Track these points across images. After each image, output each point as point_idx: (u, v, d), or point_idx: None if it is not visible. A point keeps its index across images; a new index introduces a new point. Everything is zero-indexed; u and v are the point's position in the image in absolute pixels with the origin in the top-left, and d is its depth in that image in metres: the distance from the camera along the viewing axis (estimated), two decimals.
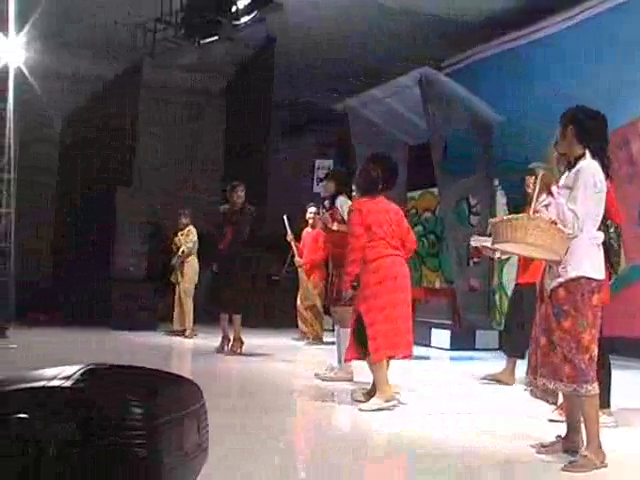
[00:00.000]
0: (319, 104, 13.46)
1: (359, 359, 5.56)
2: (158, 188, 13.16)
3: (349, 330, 5.70)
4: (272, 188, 12.89)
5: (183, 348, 9.72)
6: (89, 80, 12.97)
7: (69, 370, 2.33)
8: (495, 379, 6.74)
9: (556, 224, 3.74)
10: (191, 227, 10.62)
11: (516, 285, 6.72)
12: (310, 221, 10.08)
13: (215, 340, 9.01)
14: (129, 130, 12.89)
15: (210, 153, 14.51)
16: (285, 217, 9.82)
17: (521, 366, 6.11)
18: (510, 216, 3.88)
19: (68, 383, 2.22)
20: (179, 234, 10.66)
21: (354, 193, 6.34)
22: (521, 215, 3.87)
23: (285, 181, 14.00)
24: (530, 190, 6.53)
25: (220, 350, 8.77)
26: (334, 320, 7.17)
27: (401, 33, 11.19)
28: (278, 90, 13.17)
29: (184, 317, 10.54)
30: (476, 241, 6.05)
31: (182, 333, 10.50)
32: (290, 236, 9.98)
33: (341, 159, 13.01)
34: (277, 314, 11.84)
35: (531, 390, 4.27)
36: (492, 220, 4.08)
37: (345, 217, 6.49)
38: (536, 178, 6.37)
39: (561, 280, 3.80)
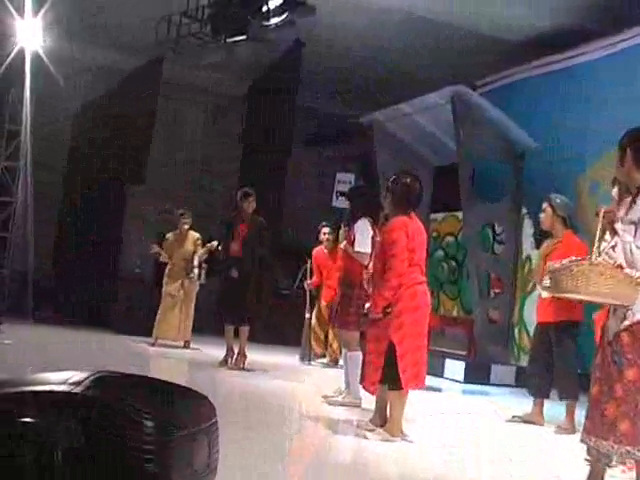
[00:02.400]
0: (344, 115, 13.46)
1: (385, 385, 5.41)
2: (171, 189, 13.21)
3: (358, 354, 5.80)
4: (289, 199, 13.00)
5: (182, 359, 9.72)
6: (107, 72, 13.04)
7: (78, 376, 2.31)
8: (524, 420, 6.64)
9: (623, 268, 3.51)
10: (192, 232, 10.52)
11: (538, 323, 6.66)
12: (324, 242, 10.03)
13: (214, 352, 8.96)
14: (145, 127, 12.90)
15: (227, 158, 14.57)
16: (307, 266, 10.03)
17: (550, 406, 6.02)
18: (570, 262, 3.61)
19: (78, 389, 2.21)
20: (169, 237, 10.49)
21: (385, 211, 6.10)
22: (582, 261, 3.55)
23: (303, 193, 14.16)
24: (543, 219, 6.57)
25: (223, 363, 8.76)
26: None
27: (437, 47, 11.23)
28: (303, 98, 13.25)
29: (184, 327, 10.40)
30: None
31: (187, 344, 10.43)
32: (308, 282, 9.98)
33: (363, 174, 12.98)
34: (286, 331, 11.81)
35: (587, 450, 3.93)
36: (551, 266, 3.81)
37: (358, 240, 6.63)
38: (554, 211, 6.48)
39: (627, 323, 3.55)
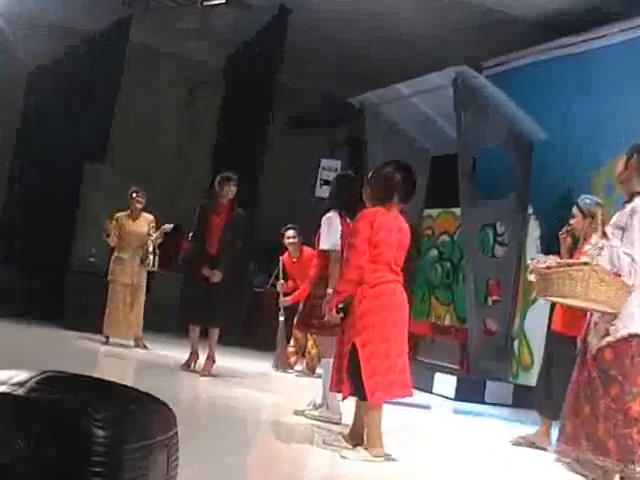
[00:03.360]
0: (332, 94, 13.52)
1: (349, 395, 5.50)
2: (135, 170, 13.11)
3: (332, 361, 5.72)
4: (267, 186, 12.92)
5: (139, 360, 9.70)
6: (66, 33, 12.93)
7: (22, 376, 2.25)
8: (528, 441, 6.64)
9: (620, 276, 3.66)
10: (145, 214, 10.43)
11: (554, 332, 6.63)
12: (290, 247, 10.03)
13: (170, 353, 9.03)
14: (108, 98, 12.85)
15: (200, 135, 14.60)
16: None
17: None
18: (566, 265, 3.68)
19: (21, 391, 2.15)
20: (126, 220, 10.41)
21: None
22: (580, 264, 3.68)
23: (283, 180, 14.14)
24: (573, 226, 6.55)
25: (186, 367, 8.73)
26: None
27: (440, 22, 11.22)
28: (286, 73, 13.26)
29: (136, 322, 10.34)
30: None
31: (139, 342, 10.36)
32: (281, 283, 9.95)
33: (351, 161, 13.03)
34: (258, 333, 11.85)
35: (568, 463, 4.11)
36: (537, 265, 3.89)
37: (323, 237, 6.60)
38: (585, 215, 6.46)
39: (609, 339, 3.72)
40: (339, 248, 6.44)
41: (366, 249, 5.35)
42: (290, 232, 10.07)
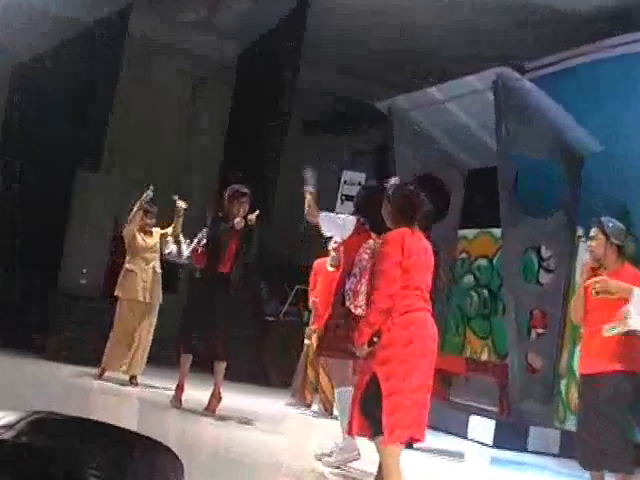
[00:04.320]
0: (357, 98, 13.57)
1: (367, 436, 5.59)
2: (134, 179, 13.11)
3: (350, 390, 5.85)
4: (281, 201, 12.88)
5: (135, 397, 9.69)
6: (60, 22, 13.02)
7: (9, 418, 2.25)
8: None
9: None
10: (157, 230, 10.45)
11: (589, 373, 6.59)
12: (334, 253, 10.02)
13: (172, 389, 8.92)
14: (104, 96, 12.89)
15: (207, 139, 14.71)
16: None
17: None
18: None
19: (8, 435, 2.14)
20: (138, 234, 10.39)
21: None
22: None
23: (299, 194, 13.95)
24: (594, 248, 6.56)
25: (177, 403, 8.72)
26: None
27: (479, 18, 11.23)
28: (305, 72, 13.27)
29: (141, 360, 10.29)
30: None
31: (133, 380, 10.29)
32: (313, 300, 10.04)
33: (377, 173, 12.92)
34: (269, 368, 11.95)
35: None
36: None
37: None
38: (607, 237, 6.45)
39: None
40: (344, 236, 6.82)
41: (397, 275, 5.45)
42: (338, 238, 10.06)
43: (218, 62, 14.51)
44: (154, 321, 10.25)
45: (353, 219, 6.90)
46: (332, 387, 9.40)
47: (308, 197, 7.32)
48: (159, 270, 10.28)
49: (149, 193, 10.05)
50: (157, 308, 10.29)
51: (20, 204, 12.80)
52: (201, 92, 15.03)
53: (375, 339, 5.43)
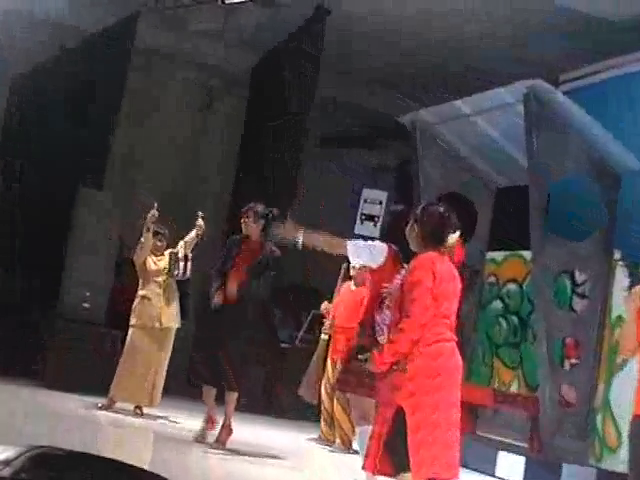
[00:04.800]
0: (378, 112, 13.70)
1: (389, 475, 5.63)
2: (139, 198, 13.17)
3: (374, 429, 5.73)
4: (298, 224, 12.75)
5: (143, 430, 9.71)
6: (62, 29, 13.19)
7: (7, 453, 2.25)
8: None
9: None
10: (168, 252, 10.59)
11: None
12: (355, 277, 10.10)
13: (181, 420, 9.30)
14: (107, 110, 12.91)
15: (218, 158, 14.84)
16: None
17: None
18: None
19: (7, 471, 2.11)
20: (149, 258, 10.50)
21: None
22: None
23: (317, 213, 14.00)
24: None
25: (201, 438, 8.75)
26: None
27: (509, 25, 11.20)
28: (323, 84, 13.37)
29: (156, 391, 10.31)
30: None
31: (138, 410, 10.36)
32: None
33: (399, 192, 13.16)
34: (284, 398, 11.99)
35: None
36: None
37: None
38: None
39: None
40: (374, 265, 6.74)
41: (429, 303, 5.49)
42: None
43: (231, 73, 14.66)
44: (170, 347, 10.31)
45: (384, 247, 6.90)
46: (350, 422, 9.44)
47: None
48: (176, 291, 10.36)
49: (154, 213, 10.04)
50: (173, 332, 10.34)
51: (20, 206, 12.90)
52: (213, 104, 15.17)
53: (395, 366, 5.49)
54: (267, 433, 10.41)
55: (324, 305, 10.59)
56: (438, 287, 5.53)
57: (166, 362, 10.30)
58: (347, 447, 9.89)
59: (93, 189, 12.63)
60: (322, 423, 10.29)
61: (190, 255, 10.34)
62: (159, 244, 10.47)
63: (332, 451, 9.95)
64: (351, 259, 7.24)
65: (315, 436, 10.42)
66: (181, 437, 8.89)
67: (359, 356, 5.83)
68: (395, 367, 5.51)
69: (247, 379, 9.10)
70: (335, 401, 10.00)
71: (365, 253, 6.95)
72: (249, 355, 8.93)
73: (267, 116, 13.83)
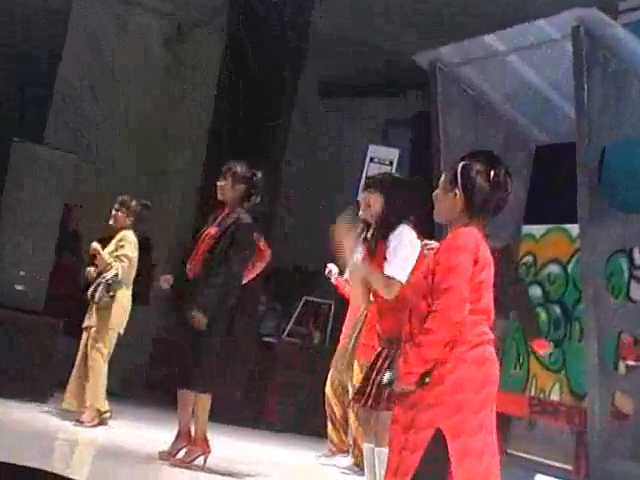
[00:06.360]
0: (388, 51, 13.63)
1: None
2: (91, 156, 13.31)
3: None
4: (288, 189, 13.25)
5: (92, 443, 9.86)
6: None
7: None
8: None
9: None
10: (128, 232, 10.79)
11: None
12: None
13: (146, 432, 9.40)
14: (49, 46, 12.98)
15: (190, 109, 14.94)
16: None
17: None
18: None
19: None
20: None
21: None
22: None
23: (312, 176, 14.36)
24: None
25: (166, 456, 8.76)
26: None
27: None
28: (319, 18, 13.58)
29: (91, 389, 10.53)
30: None
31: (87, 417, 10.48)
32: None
33: (414, 149, 13.05)
34: (277, 406, 11.97)
35: None
36: None
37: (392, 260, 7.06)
38: None
39: None
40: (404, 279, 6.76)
41: (466, 295, 5.26)
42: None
43: (205, 5, 14.80)
44: (108, 345, 10.60)
45: (413, 234, 7.10)
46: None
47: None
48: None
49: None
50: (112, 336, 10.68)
51: None
52: (181, 45, 15.23)
53: (427, 379, 5.24)
54: (259, 448, 10.58)
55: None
56: (479, 274, 5.31)
57: (103, 362, 10.59)
58: (361, 468, 9.88)
59: (30, 142, 12.45)
60: (331, 430, 10.33)
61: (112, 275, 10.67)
62: (121, 219, 10.80)
63: (343, 472, 10.07)
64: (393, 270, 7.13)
65: (327, 452, 10.47)
66: (146, 453, 8.96)
67: (384, 378, 5.71)
68: (426, 381, 5.24)
69: (223, 379, 8.97)
70: (353, 418, 10.08)
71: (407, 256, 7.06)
72: (222, 348, 8.82)
73: (250, 55, 13.85)
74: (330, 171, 14.43)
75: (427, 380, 5.22)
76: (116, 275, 10.57)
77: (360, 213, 7.67)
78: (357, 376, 9.92)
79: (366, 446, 7.36)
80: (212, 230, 8.95)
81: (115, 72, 14.68)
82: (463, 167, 5.50)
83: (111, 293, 10.52)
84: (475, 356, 5.26)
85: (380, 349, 7.17)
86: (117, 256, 10.65)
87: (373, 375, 7.06)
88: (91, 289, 10.56)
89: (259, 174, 9.13)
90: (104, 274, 10.60)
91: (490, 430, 5.32)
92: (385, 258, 7.15)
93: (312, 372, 10.64)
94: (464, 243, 5.34)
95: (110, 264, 10.60)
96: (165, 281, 9.19)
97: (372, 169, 11.58)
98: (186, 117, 15.26)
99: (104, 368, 10.51)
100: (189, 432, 8.78)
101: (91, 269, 10.70)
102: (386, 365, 6.97)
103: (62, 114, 13.53)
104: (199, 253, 8.90)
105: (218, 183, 9.00)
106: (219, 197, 9.03)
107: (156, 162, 14.92)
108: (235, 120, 13.83)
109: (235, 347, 8.96)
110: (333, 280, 10.56)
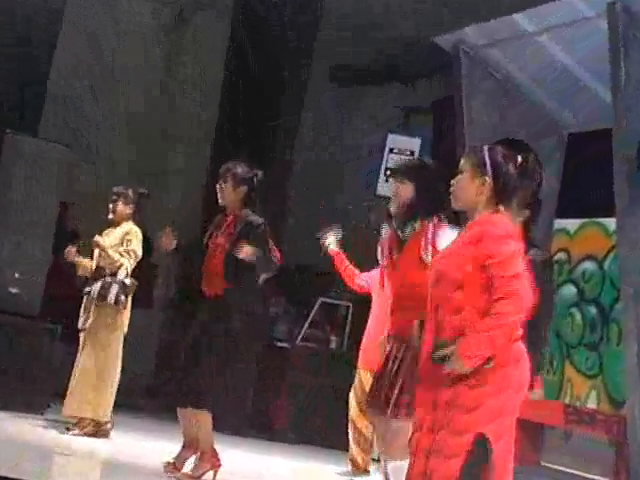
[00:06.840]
0: (410, 35, 13.47)
1: None
2: (91, 155, 13.40)
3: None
4: (300, 183, 13.25)
5: (94, 456, 9.85)
6: None
7: None
8: None
9: None
10: (134, 227, 10.77)
11: None
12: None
13: (149, 444, 9.42)
14: (44, 32, 13.08)
15: (190, 109, 15.06)
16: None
17: None
18: None
19: None
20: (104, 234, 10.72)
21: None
22: None
23: (325, 167, 14.34)
24: None
25: (172, 469, 8.70)
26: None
27: None
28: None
29: (96, 398, 10.46)
30: None
31: (80, 425, 10.49)
32: None
33: (435, 138, 12.93)
34: (293, 416, 12.01)
35: None
36: None
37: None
38: None
39: None
40: None
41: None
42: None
43: None
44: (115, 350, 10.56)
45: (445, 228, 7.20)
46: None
47: None
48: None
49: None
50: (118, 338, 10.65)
51: None
52: (183, 31, 15.31)
53: (490, 363, 5.25)
54: (272, 462, 10.51)
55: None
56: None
57: (112, 367, 10.58)
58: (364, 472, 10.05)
59: (25, 135, 12.50)
60: (356, 452, 10.14)
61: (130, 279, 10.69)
62: (121, 210, 10.77)
63: None
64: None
65: (348, 469, 10.27)
66: (149, 467, 8.94)
67: (435, 354, 5.35)
68: (487, 365, 5.25)
69: (223, 394, 8.88)
70: (366, 427, 9.94)
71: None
72: (230, 357, 8.76)
73: (257, 40, 14.00)
74: (342, 161, 14.48)
75: (490, 364, 5.22)
76: (127, 274, 10.53)
77: (390, 206, 7.59)
78: (359, 384, 10.09)
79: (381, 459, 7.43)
80: (221, 240, 8.87)
81: (115, 72, 14.77)
82: (491, 151, 5.52)
83: (129, 295, 10.48)
84: (513, 353, 5.30)
85: (388, 351, 7.16)
86: (125, 251, 10.57)
87: (385, 380, 7.07)
88: (96, 288, 10.40)
89: (260, 173, 9.13)
90: (114, 272, 10.52)
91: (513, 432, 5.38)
92: (419, 253, 7.18)
93: (329, 378, 10.73)
94: (511, 230, 5.41)
95: (118, 261, 10.52)
96: (169, 236, 8.93)
97: (391, 160, 11.61)
98: (186, 117, 15.38)
99: (116, 377, 10.49)
100: (195, 441, 8.75)
101: (87, 262, 10.64)
102: (396, 367, 6.99)
103: (61, 114, 13.64)
104: (213, 272, 8.83)
105: (218, 186, 9.00)
106: (220, 201, 9.03)
107: (156, 162, 15.01)
108: (237, 119, 13.97)
109: (237, 359, 8.94)
110: (330, 251, 10.52)
